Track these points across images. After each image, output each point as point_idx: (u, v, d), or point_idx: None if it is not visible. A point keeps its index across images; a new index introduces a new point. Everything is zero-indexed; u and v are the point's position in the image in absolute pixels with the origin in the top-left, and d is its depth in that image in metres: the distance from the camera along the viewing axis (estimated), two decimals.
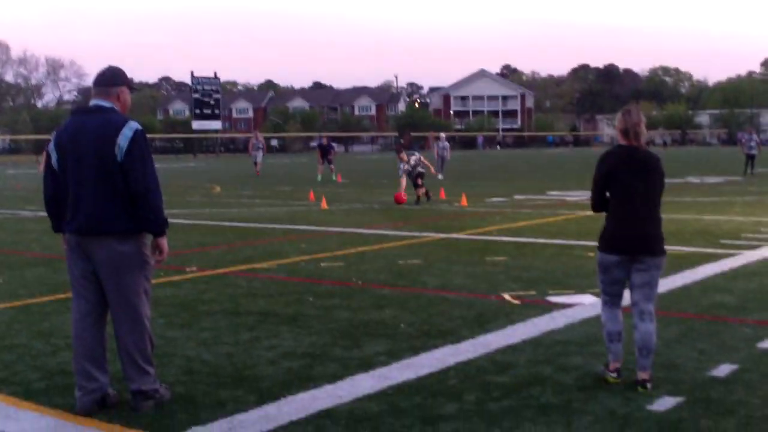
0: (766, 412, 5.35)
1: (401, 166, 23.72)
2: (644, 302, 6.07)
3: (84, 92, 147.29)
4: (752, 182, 30.61)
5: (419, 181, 23.14)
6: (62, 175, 5.63)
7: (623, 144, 6.21)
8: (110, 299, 5.64)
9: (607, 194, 6.22)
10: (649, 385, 5.88)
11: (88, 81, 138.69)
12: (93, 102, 5.70)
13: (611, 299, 6.24)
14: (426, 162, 24.29)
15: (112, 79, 5.75)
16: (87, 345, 5.63)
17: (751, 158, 35.74)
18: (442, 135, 39.00)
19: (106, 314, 5.75)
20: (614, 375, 6.07)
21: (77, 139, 5.54)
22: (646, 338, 5.99)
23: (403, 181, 23.83)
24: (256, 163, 42.70)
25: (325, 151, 37.81)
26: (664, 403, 5.57)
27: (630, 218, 6.06)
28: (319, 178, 36.84)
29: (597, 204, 6.28)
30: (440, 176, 36.00)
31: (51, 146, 5.68)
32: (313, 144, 42.79)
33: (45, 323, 8.28)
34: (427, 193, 23.36)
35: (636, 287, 6.10)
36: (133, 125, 5.56)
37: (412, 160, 23.48)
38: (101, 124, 5.53)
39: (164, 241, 5.76)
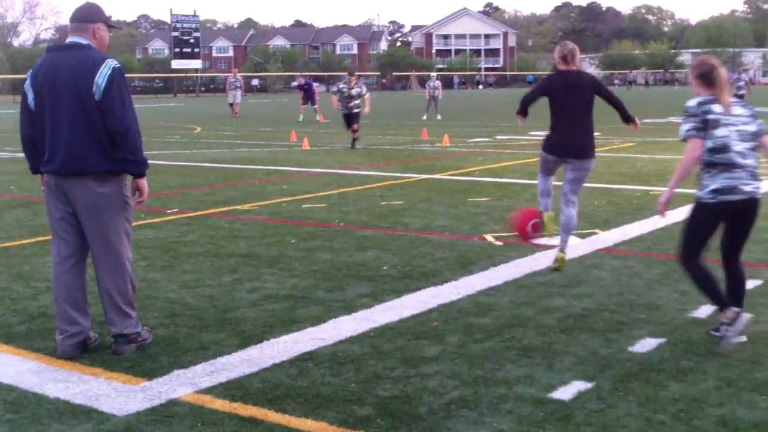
0: (746, 354, 5.38)
1: (340, 85, 22.44)
2: (571, 194, 7.82)
3: (61, 30, 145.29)
4: None
5: (356, 126, 21.85)
6: (39, 115, 5.52)
7: (561, 69, 7.75)
8: (91, 241, 5.58)
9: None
10: (566, 252, 7.78)
11: (65, 19, 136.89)
12: (70, 39, 5.57)
13: (545, 173, 8.10)
14: (367, 101, 22.75)
15: (88, 14, 5.61)
16: (68, 288, 5.58)
17: (740, 99, 35.42)
18: (433, 75, 38.61)
19: (86, 257, 5.70)
20: (545, 212, 8.05)
21: (54, 77, 5.42)
22: (568, 220, 7.79)
23: (335, 98, 22.56)
24: (232, 105, 41.16)
25: (306, 93, 37.27)
26: (646, 344, 5.60)
27: (564, 129, 7.65)
28: (301, 118, 36.57)
29: (522, 104, 7.91)
30: (438, 117, 36.28)
31: (27, 85, 5.56)
32: (294, 84, 41.38)
33: (25, 266, 8.22)
34: (354, 141, 22.06)
35: (567, 181, 7.82)
36: (111, 63, 5.44)
37: (354, 91, 21.91)
38: (78, 62, 5.41)
39: (144, 182, 5.69)
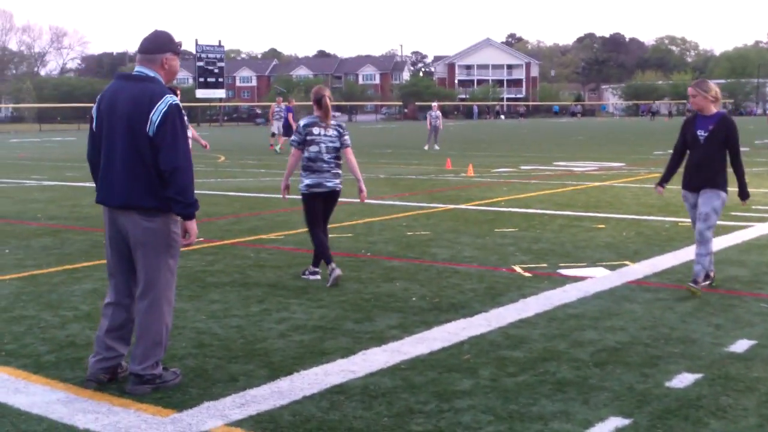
0: None
1: None
2: None
3: (87, 60, 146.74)
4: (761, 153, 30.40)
5: None
6: (99, 140, 5.47)
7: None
8: (137, 275, 5.49)
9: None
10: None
11: (92, 49, 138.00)
12: (137, 69, 5.49)
13: None
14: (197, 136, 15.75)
15: (156, 45, 5.48)
16: (114, 318, 5.52)
17: None
18: (434, 104, 38.69)
19: (136, 289, 5.56)
20: None
21: (113, 106, 5.35)
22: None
23: None
24: (274, 134, 35.75)
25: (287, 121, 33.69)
26: (683, 379, 5.49)
27: None
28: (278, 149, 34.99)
29: None
30: (436, 147, 35.91)
31: (94, 109, 5.49)
32: (277, 109, 35.90)
33: (53, 294, 8.20)
34: None
35: None
36: (169, 99, 5.30)
37: None
38: (137, 94, 5.31)
39: (193, 225, 5.56)
